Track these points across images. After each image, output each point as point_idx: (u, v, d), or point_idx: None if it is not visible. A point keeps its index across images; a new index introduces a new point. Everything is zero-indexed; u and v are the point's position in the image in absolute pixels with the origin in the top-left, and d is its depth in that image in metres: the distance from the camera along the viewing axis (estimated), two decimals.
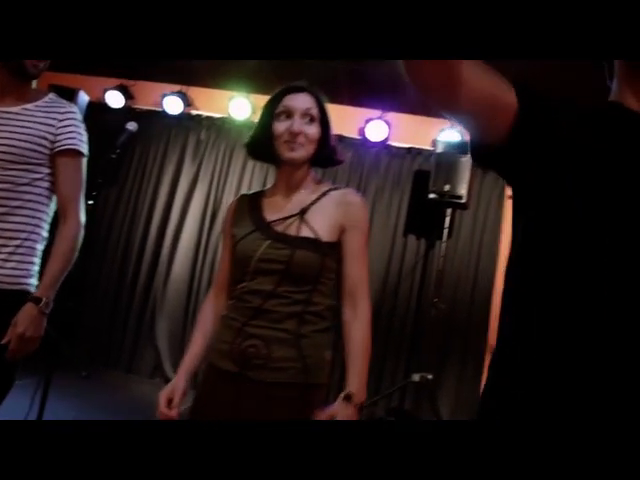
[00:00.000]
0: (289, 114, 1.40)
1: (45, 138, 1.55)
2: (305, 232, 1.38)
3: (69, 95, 3.66)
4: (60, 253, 1.55)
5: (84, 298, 4.24)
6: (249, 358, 1.33)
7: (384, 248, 4.11)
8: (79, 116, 1.65)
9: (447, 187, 3.78)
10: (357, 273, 1.42)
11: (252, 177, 4.22)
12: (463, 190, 3.75)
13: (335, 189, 1.48)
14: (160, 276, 4.27)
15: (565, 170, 0.76)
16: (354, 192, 1.51)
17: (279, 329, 1.34)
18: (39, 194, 1.57)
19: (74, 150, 1.60)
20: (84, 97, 4.09)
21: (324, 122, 1.44)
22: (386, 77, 3.74)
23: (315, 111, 1.42)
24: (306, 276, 1.37)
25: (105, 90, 4.39)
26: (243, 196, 1.57)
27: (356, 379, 1.29)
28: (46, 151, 1.56)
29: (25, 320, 1.47)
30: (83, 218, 1.64)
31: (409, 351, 4.03)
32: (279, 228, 1.40)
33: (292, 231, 1.38)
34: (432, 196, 3.80)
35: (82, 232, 1.62)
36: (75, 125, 1.61)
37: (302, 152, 1.40)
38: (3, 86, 1.55)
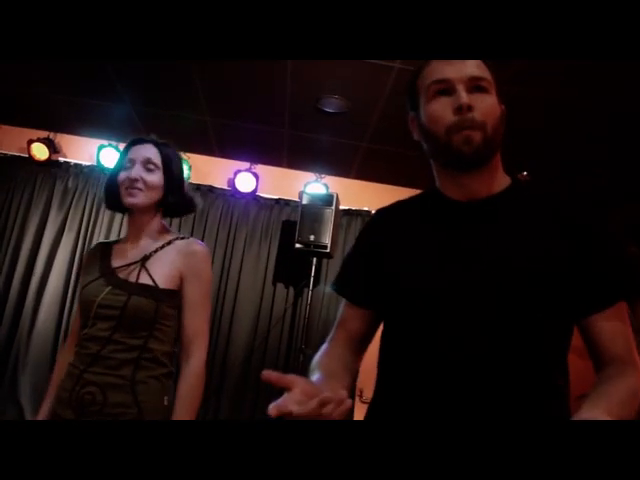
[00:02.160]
0: (132, 163, 1.47)
1: None
2: (144, 279, 1.41)
3: None
4: None
5: None
6: (86, 405, 1.33)
7: (254, 296, 4.19)
8: None
9: (312, 237, 3.94)
10: (194, 324, 1.45)
11: (121, 226, 4.17)
12: (327, 240, 3.92)
13: (181, 238, 1.52)
14: (24, 328, 4.08)
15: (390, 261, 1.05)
16: (198, 242, 1.53)
17: (115, 375, 1.36)
18: None
19: None
20: None
21: (167, 171, 1.49)
22: (255, 131, 3.88)
23: (157, 160, 1.47)
24: (141, 322, 1.39)
25: None
26: (98, 244, 1.61)
27: None
28: None
29: None
30: None
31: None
32: (121, 275, 1.43)
33: (132, 278, 1.41)
34: (298, 246, 3.95)
35: None
36: None
37: (141, 197, 1.45)
38: None
